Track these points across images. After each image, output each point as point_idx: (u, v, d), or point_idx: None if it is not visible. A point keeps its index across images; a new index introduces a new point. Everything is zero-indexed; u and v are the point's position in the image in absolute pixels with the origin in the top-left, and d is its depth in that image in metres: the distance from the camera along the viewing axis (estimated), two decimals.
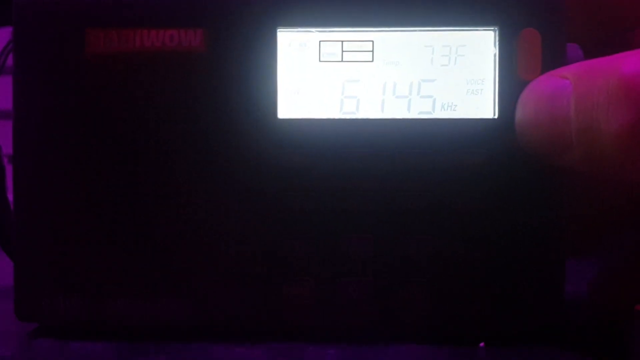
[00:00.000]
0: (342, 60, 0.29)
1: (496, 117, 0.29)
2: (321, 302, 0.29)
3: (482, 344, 0.29)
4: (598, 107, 0.24)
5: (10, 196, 0.31)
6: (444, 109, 0.29)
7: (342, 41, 0.29)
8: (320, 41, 0.29)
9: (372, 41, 0.29)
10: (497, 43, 0.29)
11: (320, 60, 0.29)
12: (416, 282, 0.29)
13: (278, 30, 0.29)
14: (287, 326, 0.29)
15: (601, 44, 0.30)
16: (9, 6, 0.29)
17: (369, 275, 0.29)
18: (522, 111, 0.27)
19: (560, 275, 0.29)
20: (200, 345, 0.29)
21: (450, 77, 0.29)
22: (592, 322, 0.32)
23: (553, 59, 0.29)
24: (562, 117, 0.25)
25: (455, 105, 0.29)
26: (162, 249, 0.29)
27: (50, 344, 0.29)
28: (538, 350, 0.28)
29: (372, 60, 0.29)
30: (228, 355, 0.28)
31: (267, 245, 0.29)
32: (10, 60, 0.30)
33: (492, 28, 0.29)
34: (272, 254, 0.29)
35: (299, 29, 0.29)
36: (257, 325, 0.29)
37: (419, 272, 0.29)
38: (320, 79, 0.29)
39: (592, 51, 0.31)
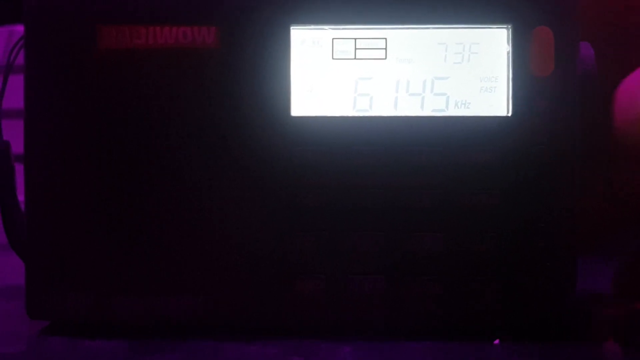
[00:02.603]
0: (355, 58, 0.29)
1: (510, 114, 0.29)
2: (332, 298, 0.29)
3: (497, 341, 0.29)
4: None
5: (20, 196, 0.30)
6: (458, 107, 0.29)
7: (355, 38, 0.29)
8: (333, 38, 0.29)
9: (385, 38, 0.29)
10: (510, 41, 0.29)
11: (333, 58, 0.29)
12: (428, 279, 0.29)
13: (291, 27, 0.29)
14: (298, 322, 0.29)
15: (613, 42, 0.31)
16: (8, 4, 0.29)
17: (380, 272, 0.29)
18: None
19: (571, 272, 0.29)
20: (213, 343, 0.29)
21: (463, 75, 0.29)
22: (606, 319, 0.32)
23: (565, 56, 0.29)
24: None
25: (469, 103, 0.29)
26: (173, 246, 0.29)
27: (61, 342, 0.29)
28: (548, 347, 0.28)
29: (386, 58, 0.29)
30: (242, 353, 0.28)
31: (278, 242, 0.29)
32: (20, 59, 0.30)
33: (506, 26, 0.29)
34: (284, 251, 0.29)
35: (312, 27, 0.29)
36: (268, 322, 0.29)
37: (430, 269, 0.29)
38: (334, 76, 0.29)
39: (604, 49, 0.31)
